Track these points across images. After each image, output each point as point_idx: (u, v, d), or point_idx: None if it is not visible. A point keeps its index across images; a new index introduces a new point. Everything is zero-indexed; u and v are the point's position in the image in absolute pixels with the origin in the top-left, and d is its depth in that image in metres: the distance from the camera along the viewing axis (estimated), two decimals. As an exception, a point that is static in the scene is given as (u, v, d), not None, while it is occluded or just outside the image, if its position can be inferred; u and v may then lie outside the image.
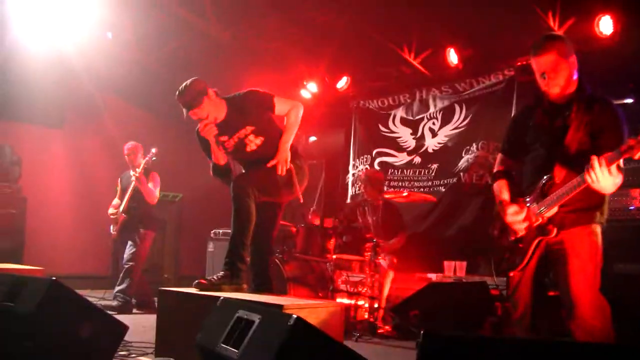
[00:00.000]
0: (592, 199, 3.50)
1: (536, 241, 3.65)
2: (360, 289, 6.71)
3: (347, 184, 9.73)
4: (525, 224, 3.71)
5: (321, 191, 9.78)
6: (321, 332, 2.61)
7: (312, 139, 10.71)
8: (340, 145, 10.21)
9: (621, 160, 3.22)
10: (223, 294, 3.94)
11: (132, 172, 7.23)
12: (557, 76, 3.63)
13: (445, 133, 8.82)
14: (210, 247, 8.99)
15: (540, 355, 2.05)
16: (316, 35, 9.09)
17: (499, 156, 4.14)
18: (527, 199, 3.75)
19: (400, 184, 9.03)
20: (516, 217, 3.74)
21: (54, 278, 3.28)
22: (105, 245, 8.37)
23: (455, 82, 8.78)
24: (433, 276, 7.30)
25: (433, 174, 8.76)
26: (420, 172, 8.92)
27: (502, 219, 3.87)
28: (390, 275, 6.90)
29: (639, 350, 1.90)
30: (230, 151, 4.86)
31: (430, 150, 8.97)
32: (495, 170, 4.12)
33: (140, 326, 5.48)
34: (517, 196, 3.85)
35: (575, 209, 3.54)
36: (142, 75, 9.73)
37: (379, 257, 6.65)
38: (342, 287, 6.83)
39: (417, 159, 9.05)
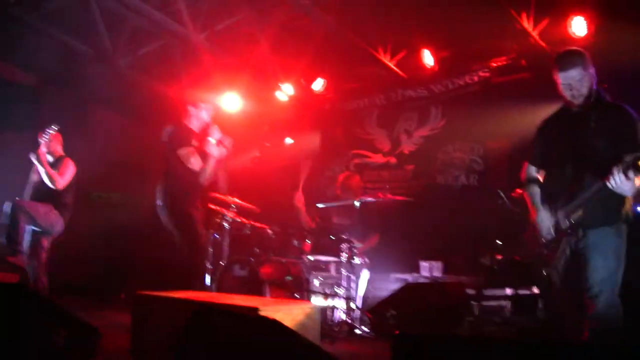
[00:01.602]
0: (615, 201, 3.82)
1: (565, 241, 4.01)
2: (336, 290, 6.70)
3: (323, 186, 9.71)
4: (553, 227, 4.08)
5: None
6: (296, 334, 2.61)
7: (289, 141, 10.68)
8: (317, 147, 10.19)
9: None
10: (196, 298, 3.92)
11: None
12: (582, 87, 4.00)
13: (421, 134, 8.85)
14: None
15: (514, 355, 2.06)
16: (292, 37, 9.09)
17: (526, 166, 4.45)
18: (558, 204, 4.07)
19: (376, 185, 9.03)
20: (545, 222, 4.13)
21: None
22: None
23: (430, 83, 8.79)
24: (409, 277, 7.32)
25: (409, 175, 8.78)
26: (396, 174, 8.95)
27: (533, 223, 4.25)
28: (367, 275, 6.92)
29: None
30: None
31: (406, 152, 8.99)
32: (524, 179, 4.43)
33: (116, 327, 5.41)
34: (548, 200, 4.19)
35: (599, 210, 3.86)
36: (117, 79, 9.68)
37: (355, 258, 6.65)
38: (319, 288, 6.82)
39: (393, 160, 9.07)
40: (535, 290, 7.45)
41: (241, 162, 10.52)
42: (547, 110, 7.31)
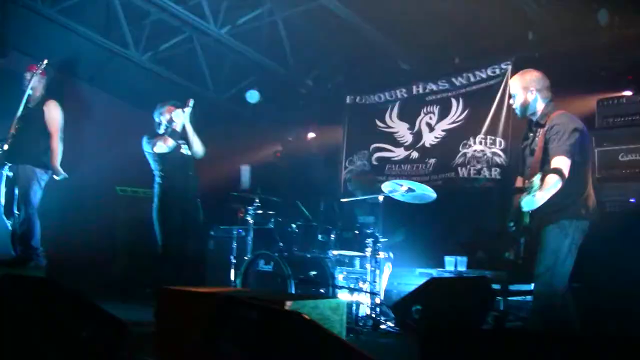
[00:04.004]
0: (563, 201, 4.37)
1: (522, 238, 4.61)
2: (361, 285, 6.70)
3: (345, 181, 9.69)
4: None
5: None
6: (324, 329, 2.61)
7: (311, 135, 10.71)
8: (339, 141, 10.18)
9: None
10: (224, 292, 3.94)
11: None
12: (516, 105, 4.73)
13: (443, 127, 8.80)
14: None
15: (542, 348, 2.06)
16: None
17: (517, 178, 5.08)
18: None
19: (398, 179, 9.00)
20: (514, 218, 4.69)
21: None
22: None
23: (452, 76, 8.76)
24: (434, 271, 7.30)
25: (431, 169, 8.73)
26: (418, 167, 8.90)
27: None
28: (388, 269, 6.92)
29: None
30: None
31: (427, 145, 8.95)
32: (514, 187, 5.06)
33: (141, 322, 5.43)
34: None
35: (546, 209, 4.37)
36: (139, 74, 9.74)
37: (379, 253, 6.65)
38: (343, 283, 6.83)
39: (415, 154, 9.03)
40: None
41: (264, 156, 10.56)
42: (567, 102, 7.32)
